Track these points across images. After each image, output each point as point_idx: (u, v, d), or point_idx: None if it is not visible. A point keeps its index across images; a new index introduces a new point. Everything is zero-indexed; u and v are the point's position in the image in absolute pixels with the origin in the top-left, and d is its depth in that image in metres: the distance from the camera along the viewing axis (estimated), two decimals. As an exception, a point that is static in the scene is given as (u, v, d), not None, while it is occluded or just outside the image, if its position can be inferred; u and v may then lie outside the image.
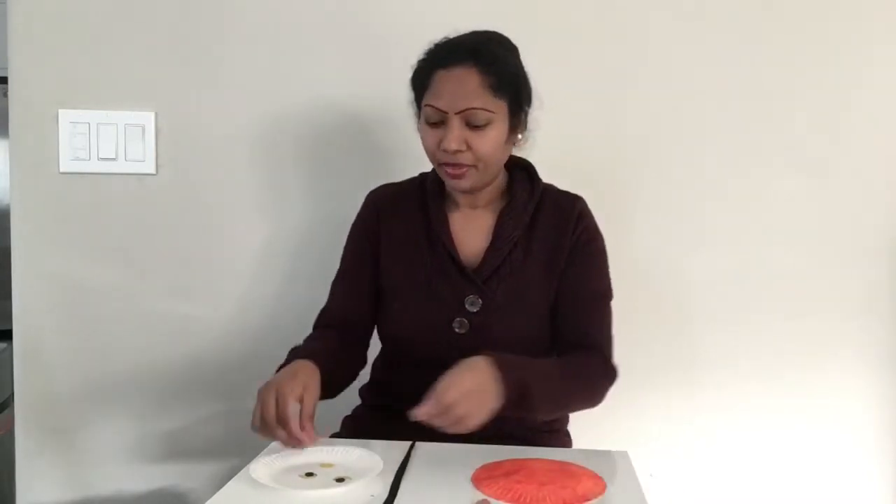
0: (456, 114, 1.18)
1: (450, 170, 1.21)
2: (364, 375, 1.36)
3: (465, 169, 1.21)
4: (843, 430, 1.68)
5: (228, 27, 1.62)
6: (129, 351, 1.65)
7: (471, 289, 1.26)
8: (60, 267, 1.63)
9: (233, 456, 1.63)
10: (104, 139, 1.61)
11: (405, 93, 1.30)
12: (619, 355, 1.32)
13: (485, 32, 1.25)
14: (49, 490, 1.66)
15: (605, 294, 1.31)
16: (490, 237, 1.28)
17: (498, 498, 0.96)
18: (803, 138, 1.65)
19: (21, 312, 1.63)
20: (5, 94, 1.63)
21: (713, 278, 1.66)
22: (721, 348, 1.67)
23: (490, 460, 1.09)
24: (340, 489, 0.98)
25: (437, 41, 1.25)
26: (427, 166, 1.34)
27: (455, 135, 1.18)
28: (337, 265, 1.36)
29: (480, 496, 0.97)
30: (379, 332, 1.36)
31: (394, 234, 1.31)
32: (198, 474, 1.67)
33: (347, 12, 1.61)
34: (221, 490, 0.99)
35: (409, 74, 1.27)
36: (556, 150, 1.47)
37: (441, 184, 1.32)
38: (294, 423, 1.08)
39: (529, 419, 1.17)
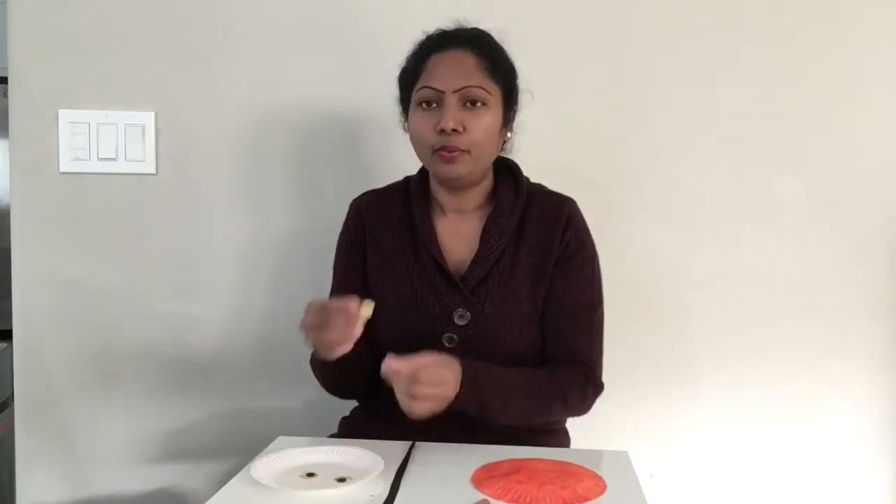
0: (453, 92, 1.18)
1: (444, 153, 1.19)
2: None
3: (459, 153, 1.19)
4: (842, 430, 1.68)
5: (228, 27, 1.62)
6: (128, 351, 1.65)
7: (459, 301, 1.23)
8: (60, 267, 1.63)
9: (233, 456, 1.63)
10: (104, 139, 1.61)
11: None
12: (619, 356, 1.32)
13: (477, 28, 1.26)
14: (49, 490, 1.66)
15: (592, 304, 1.28)
16: (477, 245, 1.26)
17: (498, 498, 0.96)
18: (803, 139, 1.65)
19: (21, 312, 1.63)
20: (5, 94, 1.63)
21: (713, 279, 1.66)
22: (721, 349, 1.67)
23: (490, 460, 1.09)
24: (341, 489, 0.98)
25: (428, 33, 1.25)
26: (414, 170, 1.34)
27: (452, 113, 1.17)
28: (336, 266, 1.36)
29: (480, 496, 0.97)
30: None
31: (379, 243, 1.30)
32: (198, 474, 1.67)
33: (348, 14, 1.61)
34: (221, 490, 0.99)
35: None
36: (554, 150, 1.48)
37: (426, 187, 1.31)
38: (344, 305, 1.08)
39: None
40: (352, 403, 1.38)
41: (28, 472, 1.66)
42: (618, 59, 1.63)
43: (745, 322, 1.66)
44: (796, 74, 1.63)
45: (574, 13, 1.62)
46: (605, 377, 1.28)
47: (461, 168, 1.20)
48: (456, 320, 1.23)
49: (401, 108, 1.29)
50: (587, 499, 0.97)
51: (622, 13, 1.62)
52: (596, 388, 1.26)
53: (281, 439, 1.20)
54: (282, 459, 1.06)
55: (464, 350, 1.22)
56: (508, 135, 1.28)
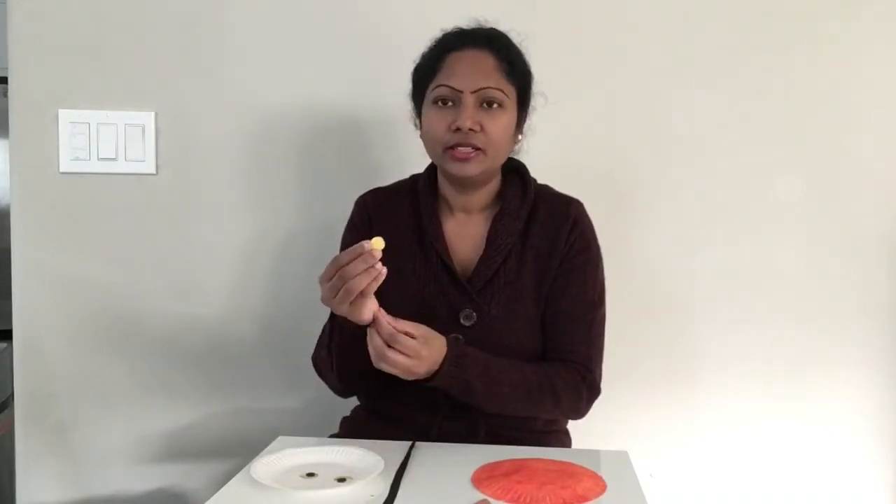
0: (472, 92, 1.18)
1: (458, 153, 1.18)
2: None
3: (474, 153, 1.18)
4: (842, 431, 1.68)
5: (228, 28, 1.62)
6: (128, 351, 1.65)
7: (465, 302, 1.23)
8: (60, 267, 1.63)
9: (233, 456, 1.63)
10: (104, 139, 1.61)
11: (406, 96, 1.30)
12: (620, 355, 1.32)
13: (495, 28, 1.26)
14: (49, 490, 1.66)
15: (592, 306, 1.27)
16: (483, 246, 1.25)
17: (498, 498, 0.96)
18: (803, 140, 1.65)
19: (21, 312, 1.63)
20: (5, 94, 1.63)
21: (713, 279, 1.66)
22: (721, 349, 1.67)
23: (490, 460, 1.09)
24: (341, 489, 0.98)
25: (446, 30, 1.25)
26: (421, 168, 1.34)
27: (470, 112, 1.17)
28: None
29: (480, 496, 0.97)
30: None
31: (385, 241, 1.29)
32: (198, 474, 1.67)
33: (348, 14, 1.61)
34: (221, 490, 0.99)
35: (411, 71, 1.27)
36: (559, 151, 1.48)
37: (434, 186, 1.30)
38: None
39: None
40: (352, 403, 1.38)
41: (28, 472, 1.66)
42: (623, 61, 1.63)
43: (745, 322, 1.67)
44: (798, 76, 1.63)
45: (576, 15, 1.62)
46: (606, 376, 1.28)
47: (474, 168, 1.20)
48: (462, 321, 1.23)
49: (413, 104, 1.29)
50: (587, 499, 0.97)
51: (626, 17, 1.62)
52: (592, 390, 1.25)
53: (281, 439, 1.20)
54: (282, 459, 1.05)
55: None
56: (520, 137, 1.28)
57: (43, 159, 1.61)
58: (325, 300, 1.08)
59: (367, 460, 1.04)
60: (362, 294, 1.04)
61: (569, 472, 1.04)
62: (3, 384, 1.94)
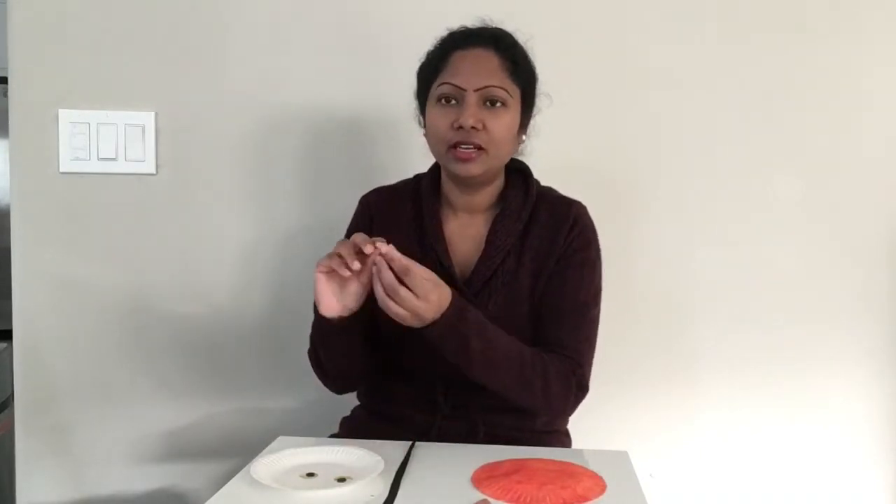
0: (475, 91, 1.18)
1: (461, 152, 1.18)
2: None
3: (476, 151, 1.18)
4: (842, 430, 1.69)
5: (228, 27, 1.62)
6: (128, 351, 1.65)
7: None
8: (60, 267, 1.63)
9: (233, 456, 1.63)
10: (104, 139, 1.61)
11: (405, 96, 1.30)
12: (620, 355, 1.32)
13: (501, 28, 1.25)
14: (49, 490, 1.66)
15: (585, 305, 1.25)
16: (483, 245, 1.25)
17: (498, 498, 0.96)
18: (803, 140, 1.65)
19: (21, 312, 1.63)
20: (5, 94, 1.63)
21: (713, 279, 1.66)
22: (721, 349, 1.67)
23: (490, 460, 1.08)
24: (341, 489, 0.98)
25: (452, 29, 1.25)
26: (425, 167, 1.34)
27: (473, 111, 1.17)
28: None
29: (480, 496, 0.97)
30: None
31: (386, 240, 1.30)
32: (198, 474, 1.67)
33: (348, 14, 1.62)
34: (221, 490, 0.99)
35: (411, 75, 1.27)
36: (561, 152, 1.48)
37: (437, 185, 1.30)
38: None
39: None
40: (352, 403, 1.38)
41: (28, 472, 1.66)
42: (625, 63, 1.63)
43: (745, 322, 1.67)
44: (798, 77, 1.64)
45: (579, 16, 1.62)
46: (606, 376, 1.28)
47: (476, 167, 1.20)
48: None
49: (417, 102, 1.29)
50: (587, 499, 0.97)
51: (629, 18, 1.63)
52: (581, 387, 1.23)
53: (281, 439, 1.20)
54: (282, 459, 1.05)
55: None
56: (524, 137, 1.28)
57: (43, 159, 1.61)
58: (320, 267, 1.10)
59: (367, 460, 1.04)
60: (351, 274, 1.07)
61: (569, 472, 1.04)
62: (3, 384, 1.94)
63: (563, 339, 1.23)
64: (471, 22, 1.26)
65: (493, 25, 1.26)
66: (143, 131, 1.62)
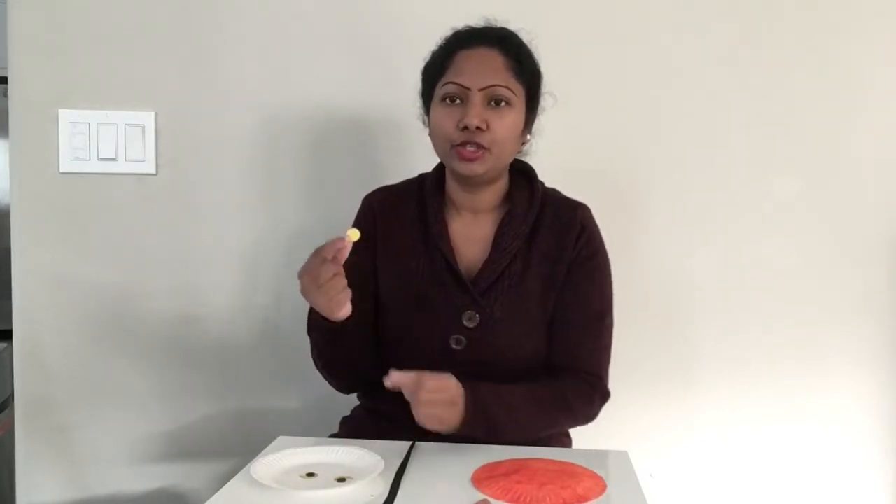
0: (479, 90, 1.17)
1: (465, 151, 1.18)
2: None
3: (480, 151, 1.18)
4: (842, 430, 1.69)
5: (228, 28, 1.62)
6: (128, 351, 1.65)
7: (468, 303, 1.23)
8: (60, 267, 1.63)
9: (233, 456, 1.63)
10: (104, 139, 1.61)
11: (405, 96, 1.29)
12: (620, 356, 1.32)
13: (505, 27, 1.25)
14: (49, 490, 1.66)
15: (602, 312, 1.27)
16: (489, 247, 1.25)
17: (498, 498, 0.96)
18: (803, 140, 1.65)
19: (21, 312, 1.63)
20: (5, 94, 1.63)
21: (714, 280, 1.66)
22: (721, 349, 1.67)
23: (490, 460, 1.08)
24: (341, 489, 0.98)
25: (457, 28, 1.25)
26: (428, 167, 1.34)
27: (477, 110, 1.17)
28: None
29: (480, 496, 0.97)
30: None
31: (390, 240, 1.29)
32: (198, 474, 1.67)
33: (348, 14, 1.62)
34: (221, 490, 0.99)
35: (413, 74, 1.27)
36: (562, 153, 1.48)
37: (441, 185, 1.30)
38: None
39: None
40: (352, 403, 1.38)
41: (28, 472, 1.66)
42: (624, 63, 1.63)
43: (745, 322, 1.67)
44: (798, 78, 1.64)
45: (584, 17, 1.62)
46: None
47: (480, 167, 1.20)
48: (465, 322, 1.23)
49: (422, 101, 1.29)
50: (587, 499, 0.97)
51: (632, 19, 1.63)
52: (603, 396, 1.27)
53: (281, 439, 1.19)
54: (282, 459, 1.05)
55: (471, 351, 1.22)
56: (528, 137, 1.27)
57: (43, 159, 1.61)
58: (304, 291, 1.10)
59: (367, 460, 1.04)
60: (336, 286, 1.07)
61: (569, 472, 1.04)
62: (3, 384, 1.94)
63: (582, 355, 1.25)
64: (474, 22, 1.26)
65: (498, 25, 1.25)
66: (143, 131, 1.62)
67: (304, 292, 1.10)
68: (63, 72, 1.61)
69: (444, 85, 1.20)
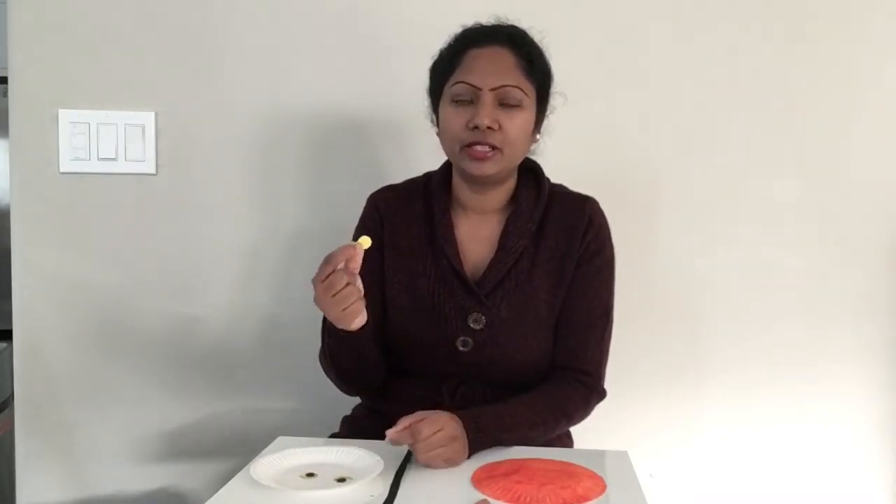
0: (490, 90, 1.16)
1: (476, 151, 1.17)
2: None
3: (492, 151, 1.17)
4: (842, 430, 1.68)
5: (229, 27, 1.61)
6: (128, 351, 1.65)
7: (474, 305, 1.22)
8: (60, 267, 1.63)
9: (233, 456, 1.63)
10: (104, 139, 1.61)
11: (409, 95, 1.29)
12: (620, 356, 1.32)
13: (516, 25, 1.24)
14: (49, 490, 1.66)
15: (605, 312, 1.27)
16: (495, 246, 1.24)
17: (498, 498, 0.96)
18: (803, 141, 1.64)
19: (21, 312, 1.63)
20: (5, 94, 1.63)
21: (715, 280, 1.66)
22: (721, 349, 1.67)
23: (490, 460, 1.09)
24: (341, 489, 0.98)
25: (467, 26, 1.24)
26: (430, 167, 1.34)
27: (488, 110, 1.16)
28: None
29: (480, 496, 0.97)
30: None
31: (397, 240, 1.28)
32: (198, 474, 1.67)
33: (349, 14, 1.61)
34: (221, 490, 0.99)
35: (415, 73, 1.26)
36: (571, 153, 1.48)
37: (448, 185, 1.29)
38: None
39: None
40: (353, 402, 1.38)
41: (28, 472, 1.66)
42: (628, 64, 1.63)
43: (745, 323, 1.66)
44: (800, 79, 1.63)
45: (587, 18, 1.62)
46: (607, 376, 1.28)
47: (491, 167, 1.19)
48: (471, 324, 1.22)
49: (430, 99, 1.27)
50: (587, 499, 0.97)
51: (635, 20, 1.62)
52: (599, 395, 1.27)
53: (281, 439, 1.19)
54: (282, 459, 1.05)
55: (477, 352, 1.22)
56: (537, 136, 1.27)
57: (43, 159, 1.61)
58: (317, 300, 1.08)
59: (367, 460, 1.04)
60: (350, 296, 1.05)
61: (569, 472, 1.04)
62: (3, 384, 1.94)
63: (584, 354, 1.25)
64: (486, 19, 1.25)
65: (508, 23, 1.24)
66: (143, 131, 1.62)
67: (318, 301, 1.08)
68: (63, 72, 1.61)
69: (454, 84, 1.19)
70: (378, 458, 1.04)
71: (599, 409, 1.28)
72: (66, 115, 1.60)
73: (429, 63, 1.27)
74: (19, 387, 1.65)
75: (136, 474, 1.67)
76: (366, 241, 1.06)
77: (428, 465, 1.05)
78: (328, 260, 1.05)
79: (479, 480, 1.01)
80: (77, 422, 1.66)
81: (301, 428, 1.62)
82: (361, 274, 1.09)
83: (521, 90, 1.18)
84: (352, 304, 1.06)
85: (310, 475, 1.02)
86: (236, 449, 1.63)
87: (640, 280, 1.63)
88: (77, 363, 1.65)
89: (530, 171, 1.30)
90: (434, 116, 1.27)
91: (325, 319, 1.17)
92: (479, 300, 1.22)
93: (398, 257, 1.27)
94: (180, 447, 1.67)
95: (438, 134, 1.25)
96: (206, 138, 1.63)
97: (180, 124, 1.63)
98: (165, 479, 1.67)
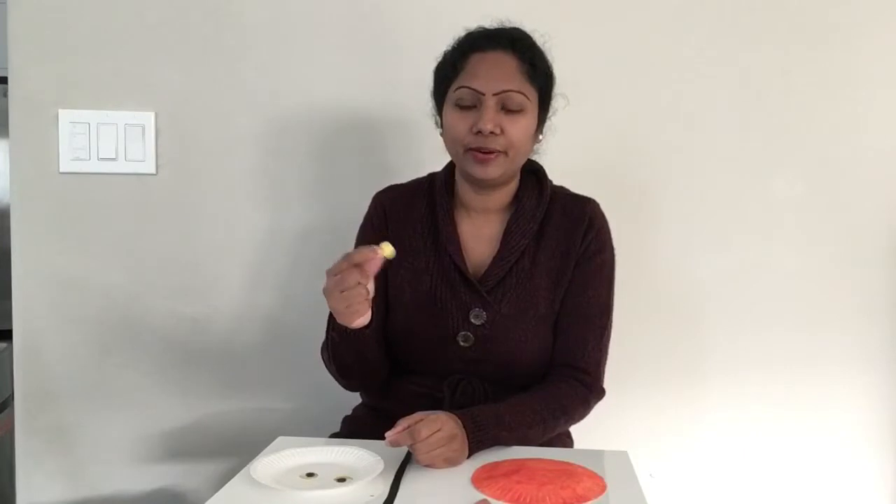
0: (493, 95, 1.17)
1: (479, 155, 1.18)
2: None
3: (494, 155, 1.18)
4: (842, 430, 1.68)
5: (229, 27, 1.62)
6: (128, 351, 1.65)
7: (476, 301, 1.24)
8: (60, 267, 1.63)
9: (233, 456, 1.63)
10: (104, 139, 1.61)
11: (414, 94, 1.29)
12: (620, 356, 1.32)
13: (519, 28, 1.25)
14: (49, 490, 1.66)
15: (604, 312, 1.28)
16: (498, 245, 1.26)
17: (498, 498, 0.96)
18: (804, 141, 1.64)
19: (21, 312, 1.63)
20: (5, 94, 1.63)
21: (715, 281, 1.66)
22: (720, 350, 1.67)
23: (490, 460, 1.09)
24: (341, 489, 0.98)
25: (470, 29, 1.24)
26: (432, 167, 1.34)
27: (491, 115, 1.17)
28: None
29: (480, 496, 0.97)
30: None
31: (401, 239, 1.28)
32: (198, 474, 1.67)
33: (349, 13, 1.61)
34: (221, 490, 0.99)
35: (417, 73, 1.27)
36: (572, 153, 1.48)
37: (452, 185, 1.30)
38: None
39: None
40: (353, 402, 1.38)
41: (28, 472, 1.66)
42: (628, 65, 1.63)
43: (745, 323, 1.67)
44: (799, 79, 1.63)
45: (588, 18, 1.62)
46: (607, 377, 1.28)
47: (495, 170, 1.20)
48: (472, 319, 1.23)
49: (434, 101, 1.28)
50: (587, 499, 0.97)
51: (636, 21, 1.63)
52: (598, 394, 1.27)
53: (281, 439, 1.20)
54: (282, 459, 1.05)
55: (478, 348, 1.23)
56: (540, 138, 1.28)
57: (43, 159, 1.61)
58: (326, 291, 1.08)
59: (367, 460, 1.04)
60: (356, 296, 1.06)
61: (569, 472, 1.04)
62: (3, 384, 1.94)
63: (583, 353, 1.25)
64: (489, 22, 1.25)
65: (511, 25, 1.25)
66: (143, 131, 1.62)
67: (326, 292, 1.08)
68: (63, 72, 1.61)
69: (457, 89, 1.20)
70: (378, 458, 1.04)
71: (599, 409, 1.28)
72: (66, 115, 1.60)
73: (433, 63, 1.27)
74: (19, 387, 1.65)
75: (136, 474, 1.67)
76: (388, 249, 1.07)
77: (428, 466, 1.06)
78: (347, 256, 1.06)
79: (479, 480, 1.01)
80: (77, 422, 1.66)
81: (301, 428, 1.62)
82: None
83: (524, 95, 1.19)
84: (357, 303, 1.07)
85: (310, 475, 1.02)
86: (236, 449, 1.63)
87: (639, 281, 1.63)
88: (77, 363, 1.65)
89: (533, 173, 1.32)
90: (438, 118, 1.28)
91: (331, 313, 1.18)
92: (480, 296, 1.23)
93: (402, 255, 1.28)
94: (180, 447, 1.67)
95: (442, 135, 1.26)
96: (206, 138, 1.63)
97: (180, 124, 1.63)
98: (165, 479, 1.67)
